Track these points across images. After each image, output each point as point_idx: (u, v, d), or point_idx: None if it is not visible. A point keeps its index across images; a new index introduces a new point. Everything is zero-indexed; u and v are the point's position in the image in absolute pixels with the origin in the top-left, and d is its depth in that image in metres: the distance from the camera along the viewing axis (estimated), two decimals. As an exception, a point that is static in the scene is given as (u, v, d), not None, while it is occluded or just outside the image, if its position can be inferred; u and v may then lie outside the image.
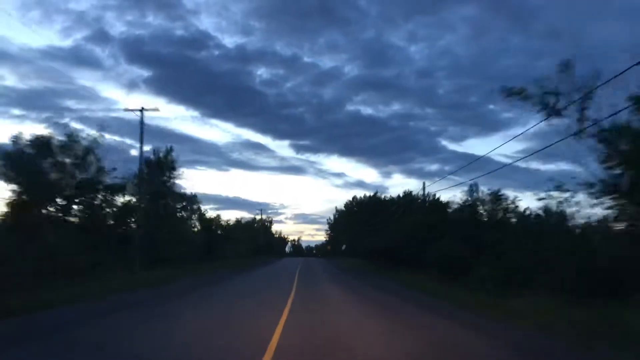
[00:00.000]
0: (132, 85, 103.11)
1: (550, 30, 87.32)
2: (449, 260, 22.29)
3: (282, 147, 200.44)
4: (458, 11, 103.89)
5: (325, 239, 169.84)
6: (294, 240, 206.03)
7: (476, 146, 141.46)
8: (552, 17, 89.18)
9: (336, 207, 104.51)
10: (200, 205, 47.92)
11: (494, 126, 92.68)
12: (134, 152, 75.04)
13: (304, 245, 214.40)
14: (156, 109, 35.07)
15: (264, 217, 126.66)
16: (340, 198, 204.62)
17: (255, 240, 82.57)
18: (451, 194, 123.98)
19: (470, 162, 35.69)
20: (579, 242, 13.90)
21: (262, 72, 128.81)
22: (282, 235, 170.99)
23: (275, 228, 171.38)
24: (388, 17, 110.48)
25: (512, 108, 15.04)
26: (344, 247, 70.06)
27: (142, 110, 28.29)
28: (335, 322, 10.42)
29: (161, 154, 38.19)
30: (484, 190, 26.84)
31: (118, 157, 28.45)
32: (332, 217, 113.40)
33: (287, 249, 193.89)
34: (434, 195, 44.32)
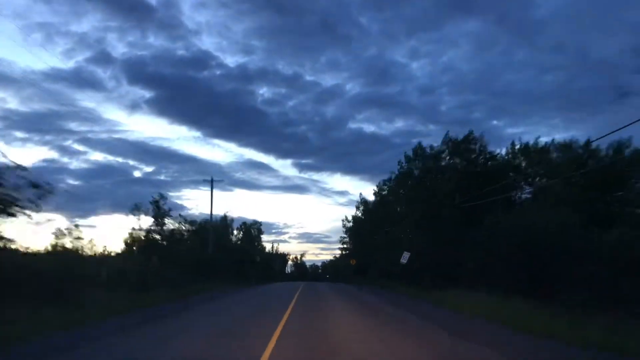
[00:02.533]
0: (134, 107, 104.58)
1: (556, 44, 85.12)
2: None
3: (285, 166, 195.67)
4: (461, 27, 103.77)
5: (334, 256, 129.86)
6: (295, 257, 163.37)
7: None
8: (557, 31, 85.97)
9: (360, 195, 62.61)
10: None
11: (498, 142, 77.27)
12: (137, 174, 72.44)
13: (308, 264, 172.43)
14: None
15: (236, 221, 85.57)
16: (344, 216, 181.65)
17: (201, 250, 40.86)
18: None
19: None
20: None
21: (263, 91, 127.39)
22: (278, 250, 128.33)
23: (278, 246, 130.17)
24: (390, 34, 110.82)
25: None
26: (404, 259, 27.46)
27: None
28: None
29: None
30: None
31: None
32: (349, 218, 71.77)
33: (287, 268, 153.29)
34: None
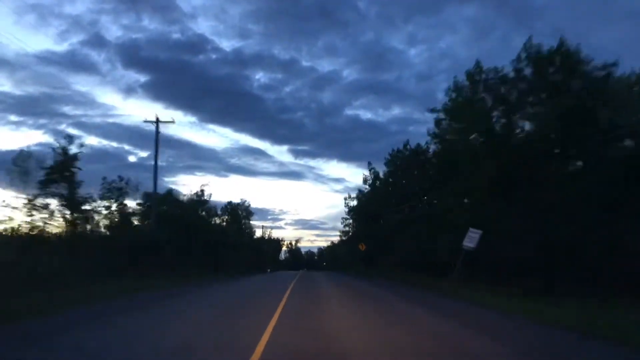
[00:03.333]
0: (129, 91, 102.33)
1: (554, 31, 59.07)
2: None
3: (281, 153, 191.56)
4: (459, 12, 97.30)
5: (331, 242, 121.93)
6: (290, 243, 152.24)
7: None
8: (555, 17, 78.51)
9: (369, 166, 50.12)
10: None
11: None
12: (132, 158, 72.45)
13: (303, 250, 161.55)
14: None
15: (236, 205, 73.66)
16: (341, 204, 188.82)
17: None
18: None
19: None
20: None
21: (260, 76, 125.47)
22: (271, 235, 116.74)
23: (271, 231, 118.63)
24: (387, 18, 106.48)
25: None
26: (471, 241, 15.24)
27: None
28: None
29: None
30: None
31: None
32: (352, 195, 59.54)
33: (282, 254, 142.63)
34: None
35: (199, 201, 47.80)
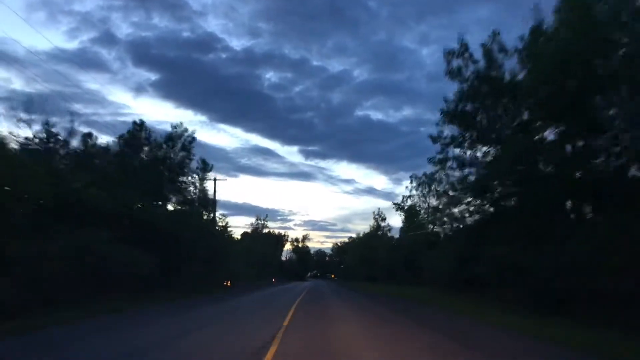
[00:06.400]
0: (139, 89, 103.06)
1: None
2: None
3: (291, 153, 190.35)
4: (472, 12, 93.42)
5: (356, 235, 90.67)
6: (296, 240, 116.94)
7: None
8: None
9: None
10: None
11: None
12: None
13: (312, 250, 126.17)
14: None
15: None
16: (351, 205, 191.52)
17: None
18: None
19: None
20: None
21: (270, 75, 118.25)
22: (264, 229, 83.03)
23: (264, 224, 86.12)
24: (399, 18, 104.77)
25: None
26: None
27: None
28: None
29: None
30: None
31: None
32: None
33: (284, 254, 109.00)
34: None
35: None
